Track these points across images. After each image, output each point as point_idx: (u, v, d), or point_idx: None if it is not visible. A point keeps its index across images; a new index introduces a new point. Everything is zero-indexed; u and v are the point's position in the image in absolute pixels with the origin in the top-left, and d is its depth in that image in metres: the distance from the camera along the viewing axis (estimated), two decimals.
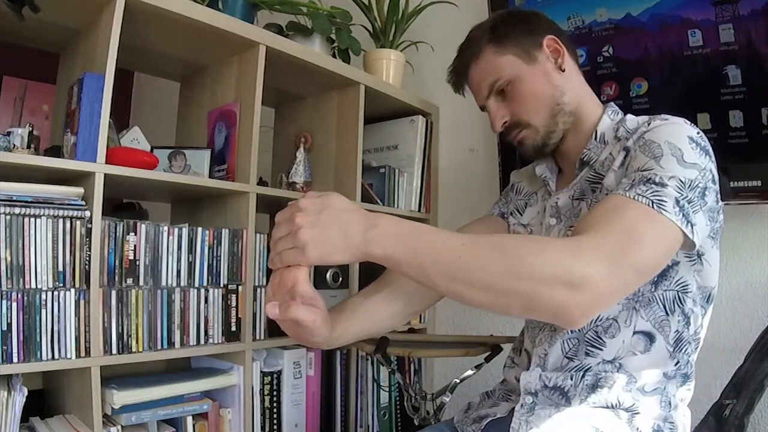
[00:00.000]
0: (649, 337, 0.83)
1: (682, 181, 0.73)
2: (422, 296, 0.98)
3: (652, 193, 0.72)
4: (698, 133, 0.80)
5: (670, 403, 0.83)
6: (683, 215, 0.71)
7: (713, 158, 0.80)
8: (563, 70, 0.93)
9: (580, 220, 0.81)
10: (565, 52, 0.94)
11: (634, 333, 0.83)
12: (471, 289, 0.67)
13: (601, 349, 0.84)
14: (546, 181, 1.00)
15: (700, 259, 0.83)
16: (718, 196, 0.80)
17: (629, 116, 0.92)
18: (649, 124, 0.83)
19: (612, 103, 0.96)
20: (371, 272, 1.53)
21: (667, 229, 0.71)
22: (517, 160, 1.51)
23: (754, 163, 1.24)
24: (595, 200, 0.87)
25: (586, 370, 0.85)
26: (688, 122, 0.82)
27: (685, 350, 0.84)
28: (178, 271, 1.15)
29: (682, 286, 0.83)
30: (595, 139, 0.91)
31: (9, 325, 0.91)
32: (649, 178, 0.73)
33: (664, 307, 0.83)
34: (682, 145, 0.77)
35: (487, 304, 0.68)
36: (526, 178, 1.09)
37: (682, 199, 0.72)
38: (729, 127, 1.26)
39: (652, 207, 0.70)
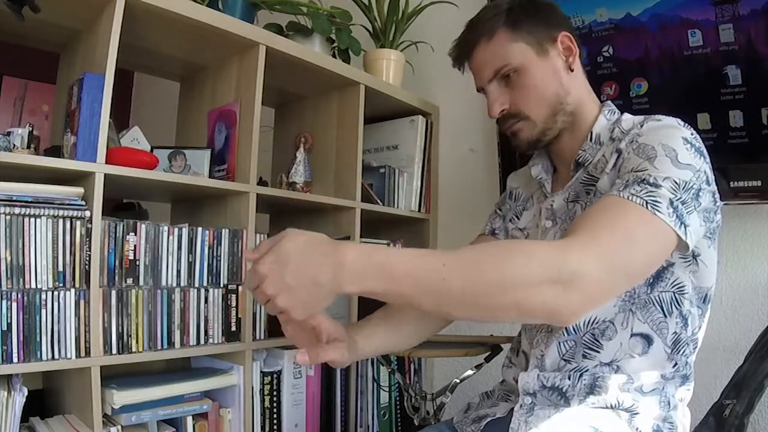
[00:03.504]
0: (647, 339, 0.83)
1: (676, 182, 0.73)
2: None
3: (646, 193, 0.71)
4: (692, 134, 0.80)
5: (669, 403, 0.83)
6: (677, 216, 0.71)
7: (707, 159, 0.79)
8: (572, 70, 0.92)
9: (572, 222, 0.81)
10: (577, 52, 0.92)
11: (632, 335, 0.83)
12: (460, 308, 0.66)
13: (598, 352, 0.84)
14: (542, 182, 0.99)
15: (696, 260, 0.83)
16: (716, 196, 0.80)
17: (625, 115, 0.91)
18: (642, 126, 0.82)
19: (609, 102, 0.95)
20: None
21: (660, 229, 0.70)
22: (516, 160, 1.51)
23: (754, 163, 1.24)
24: (589, 203, 0.87)
25: (584, 371, 0.85)
26: (682, 123, 0.82)
27: (683, 352, 0.84)
28: (178, 271, 1.15)
29: (678, 288, 0.83)
30: (590, 140, 0.91)
31: (9, 325, 0.91)
32: (644, 179, 0.73)
33: (662, 309, 0.83)
34: (677, 146, 0.76)
35: (480, 318, 0.68)
36: (523, 181, 1.08)
37: (676, 200, 0.71)
38: (729, 127, 1.26)
39: (646, 207, 0.70)
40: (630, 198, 0.71)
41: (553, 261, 0.64)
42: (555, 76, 0.90)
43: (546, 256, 0.65)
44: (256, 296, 0.69)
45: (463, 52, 0.97)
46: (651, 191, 0.71)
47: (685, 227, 0.71)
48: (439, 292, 0.65)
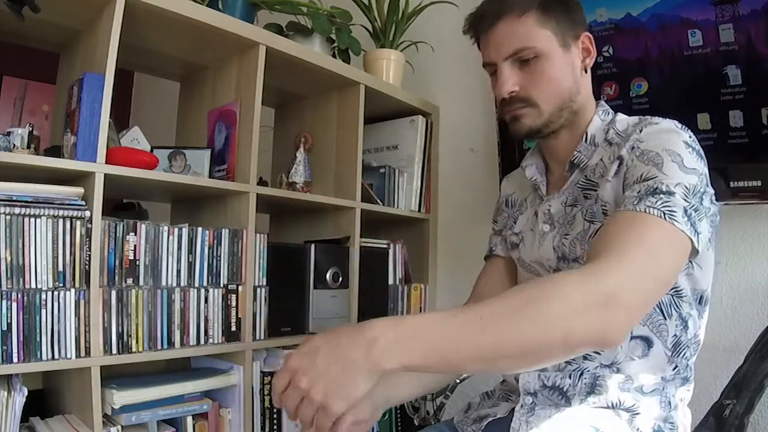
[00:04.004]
0: (647, 342, 0.83)
1: (687, 188, 0.74)
2: None
3: (662, 204, 0.72)
4: (691, 137, 0.81)
5: (669, 403, 0.83)
6: (691, 224, 0.72)
7: (706, 161, 0.81)
8: (586, 71, 0.93)
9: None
10: (594, 55, 0.93)
11: (632, 338, 0.83)
12: (506, 360, 0.64)
13: (599, 353, 0.84)
14: (537, 184, 0.99)
15: (692, 263, 0.83)
16: (713, 197, 0.81)
17: (619, 116, 0.92)
18: (641, 131, 0.82)
19: (603, 102, 0.95)
20: (371, 273, 1.53)
21: (679, 239, 0.72)
22: (516, 160, 1.51)
23: (754, 163, 1.24)
24: (588, 208, 0.87)
25: (584, 371, 0.85)
26: (680, 125, 0.82)
27: (684, 354, 0.84)
28: (178, 271, 1.15)
29: (676, 290, 0.84)
30: (585, 140, 0.91)
31: (9, 325, 0.91)
32: (656, 188, 0.74)
33: (662, 312, 0.83)
34: (681, 151, 0.77)
35: (527, 366, 0.66)
36: (517, 185, 1.08)
37: (690, 208, 0.73)
38: (729, 127, 1.26)
39: (665, 218, 0.71)
40: (647, 211, 0.72)
41: (588, 287, 0.64)
42: (571, 73, 0.90)
43: (581, 285, 0.65)
44: (287, 401, 0.63)
45: (485, 20, 0.91)
46: (666, 201, 0.72)
47: (697, 234, 0.73)
48: (481, 349, 0.62)
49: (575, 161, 0.91)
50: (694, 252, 0.74)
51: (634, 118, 0.89)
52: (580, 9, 0.94)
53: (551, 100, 0.89)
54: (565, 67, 0.89)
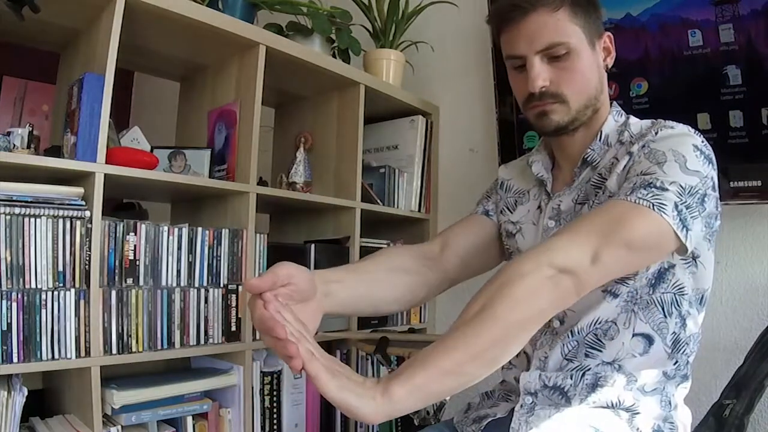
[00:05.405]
0: (648, 340, 0.84)
1: (682, 187, 0.75)
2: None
3: (653, 197, 0.73)
4: (702, 142, 0.82)
5: (670, 403, 0.83)
6: (680, 219, 0.73)
7: (715, 166, 0.81)
8: (606, 71, 0.93)
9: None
10: (614, 56, 0.93)
11: (634, 335, 0.84)
12: (494, 349, 0.68)
13: (600, 351, 0.85)
14: (544, 181, 0.99)
15: (695, 262, 0.84)
16: (718, 201, 0.82)
17: (633, 119, 0.92)
18: (656, 133, 0.83)
19: (615, 103, 0.96)
20: None
21: (659, 225, 0.73)
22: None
23: (754, 163, 1.24)
24: (597, 202, 0.87)
25: (586, 370, 0.85)
26: (693, 130, 0.83)
27: (683, 351, 0.85)
28: (178, 271, 1.15)
29: (679, 289, 0.84)
30: (599, 139, 0.91)
31: (9, 325, 0.91)
32: (651, 182, 0.75)
33: (663, 310, 0.84)
34: (686, 153, 0.78)
35: (512, 344, 0.69)
36: (517, 173, 1.07)
37: (681, 204, 0.73)
38: (729, 127, 1.26)
39: (653, 209, 0.72)
40: (637, 201, 0.73)
41: (539, 262, 0.69)
42: (598, 71, 0.91)
43: (533, 264, 0.70)
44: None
45: (517, 10, 0.87)
46: (657, 195, 0.73)
47: (687, 231, 0.73)
48: (473, 350, 0.66)
49: (588, 158, 0.91)
50: (683, 249, 0.75)
51: (647, 122, 0.89)
52: (600, 8, 0.93)
53: (580, 97, 0.89)
54: (592, 64, 0.89)
